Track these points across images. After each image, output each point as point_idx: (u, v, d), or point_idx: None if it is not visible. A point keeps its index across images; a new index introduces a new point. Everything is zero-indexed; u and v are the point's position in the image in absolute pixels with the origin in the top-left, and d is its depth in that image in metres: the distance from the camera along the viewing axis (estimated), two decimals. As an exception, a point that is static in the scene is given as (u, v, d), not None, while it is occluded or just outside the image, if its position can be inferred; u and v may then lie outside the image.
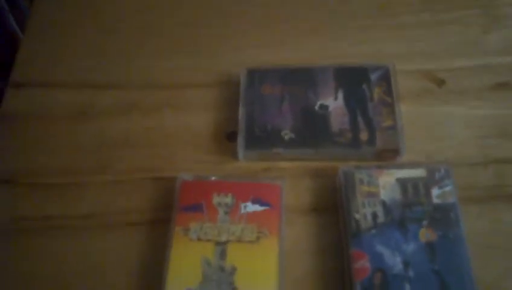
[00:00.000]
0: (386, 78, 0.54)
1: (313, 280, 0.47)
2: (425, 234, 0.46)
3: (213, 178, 0.49)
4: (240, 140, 0.51)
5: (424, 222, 0.46)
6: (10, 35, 1.09)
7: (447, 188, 0.48)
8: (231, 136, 0.53)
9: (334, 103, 0.53)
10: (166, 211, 0.49)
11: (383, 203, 0.47)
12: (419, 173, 0.48)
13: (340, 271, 0.46)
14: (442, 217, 0.46)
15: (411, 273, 0.44)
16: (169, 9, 0.64)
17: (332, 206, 0.50)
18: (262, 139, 0.51)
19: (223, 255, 0.44)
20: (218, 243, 0.45)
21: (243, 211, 0.46)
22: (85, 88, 0.58)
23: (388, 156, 0.51)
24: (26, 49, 0.63)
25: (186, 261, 0.44)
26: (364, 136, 0.51)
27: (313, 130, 0.51)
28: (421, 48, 0.60)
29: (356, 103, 0.53)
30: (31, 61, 0.61)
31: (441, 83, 0.57)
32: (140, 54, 0.61)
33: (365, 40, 0.60)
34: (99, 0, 0.66)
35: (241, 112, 0.52)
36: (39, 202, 0.51)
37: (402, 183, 0.48)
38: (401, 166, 0.49)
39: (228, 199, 0.47)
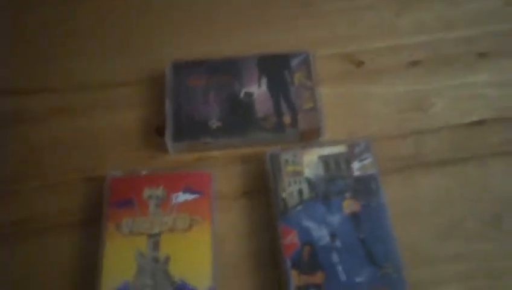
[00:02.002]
0: (306, 63, 0.57)
1: (248, 262, 0.48)
2: (349, 205, 0.49)
3: (143, 172, 0.50)
4: (168, 133, 0.52)
5: (347, 194, 0.49)
6: None
7: (367, 161, 0.51)
8: (160, 131, 0.54)
9: (258, 90, 0.55)
10: (99, 209, 0.49)
11: (308, 180, 0.50)
12: (340, 149, 0.51)
13: (272, 249, 0.48)
14: (364, 188, 0.50)
15: (338, 243, 0.47)
16: (92, 10, 0.65)
17: (262, 189, 0.52)
18: (190, 130, 0.52)
19: (156, 246, 0.45)
20: (151, 235, 0.46)
21: (174, 201, 0.48)
22: (10, 94, 0.58)
23: (311, 136, 0.54)
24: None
25: (120, 256, 0.45)
26: (287, 119, 0.53)
27: (239, 117, 0.53)
28: (340, 33, 0.63)
29: (278, 88, 0.55)
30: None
31: (359, 64, 0.61)
32: (65, 56, 0.61)
33: (287, 29, 0.63)
34: (22, 7, 0.65)
35: (168, 105, 0.53)
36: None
37: (324, 160, 0.51)
38: (323, 144, 0.52)
39: (159, 191, 0.48)
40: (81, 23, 0.64)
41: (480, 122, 0.57)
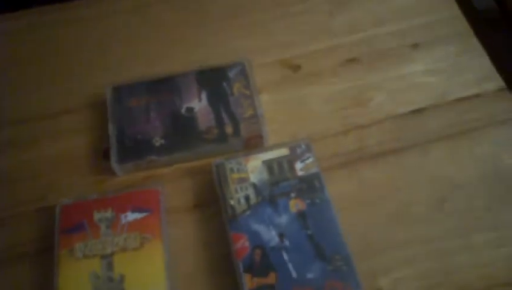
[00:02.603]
0: (243, 73, 0.58)
1: (205, 271, 0.50)
2: (295, 205, 0.50)
3: (92, 197, 0.51)
4: (113, 155, 0.53)
5: (292, 194, 0.51)
6: None
7: (309, 160, 0.53)
8: (107, 154, 0.55)
9: (199, 104, 0.56)
10: (52, 238, 0.50)
11: (254, 186, 0.51)
12: (283, 152, 0.53)
13: (227, 257, 0.50)
14: (308, 186, 0.51)
15: (287, 242, 0.48)
16: (32, 41, 0.66)
17: (212, 200, 0.53)
18: (134, 150, 0.53)
19: (109, 266, 0.46)
20: (103, 256, 0.47)
21: (123, 221, 0.49)
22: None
23: (255, 143, 0.55)
24: None
25: (74, 280, 0.46)
26: (229, 129, 0.55)
27: (182, 132, 0.55)
28: (275, 41, 0.65)
29: (219, 100, 0.57)
30: None
31: (296, 68, 0.63)
32: (5, 88, 0.62)
33: (223, 42, 0.65)
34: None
35: (111, 128, 0.55)
36: None
37: (268, 164, 0.52)
38: (266, 149, 0.54)
39: (108, 214, 0.49)
40: (21, 55, 0.64)
41: (419, 111, 0.60)
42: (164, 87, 0.57)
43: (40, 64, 0.64)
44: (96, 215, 0.49)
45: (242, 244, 0.48)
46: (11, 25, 0.67)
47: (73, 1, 0.69)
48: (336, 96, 0.61)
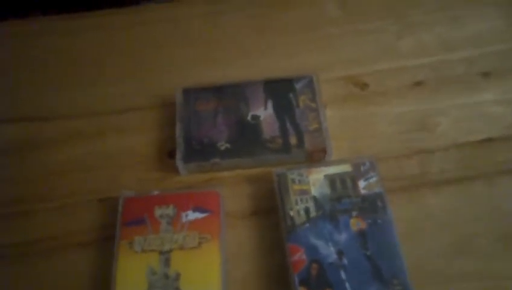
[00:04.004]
0: (310, 86, 0.59)
1: (258, 279, 0.49)
2: (356, 223, 0.49)
3: (154, 192, 0.51)
4: (179, 155, 0.54)
5: (354, 212, 0.50)
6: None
7: (373, 179, 0.52)
8: (172, 153, 0.56)
9: (264, 112, 0.57)
10: (112, 229, 0.51)
11: (314, 199, 0.51)
12: (345, 168, 0.53)
13: (282, 268, 0.49)
14: (370, 206, 0.50)
15: (345, 261, 0.47)
16: (105, 41, 0.68)
17: (270, 209, 0.53)
18: (200, 152, 0.54)
19: (167, 263, 0.47)
20: (162, 252, 0.47)
21: (184, 219, 0.49)
22: (27, 121, 0.61)
23: (317, 156, 0.55)
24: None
25: (132, 272, 0.46)
26: (293, 140, 0.55)
27: (246, 139, 0.55)
28: (343, 57, 0.65)
29: (284, 111, 0.57)
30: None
31: (363, 86, 0.63)
32: (79, 84, 0.64)
33: (291, 54, 0.65)
34: (37, 38, 0.69)
35: (178, 129, 0.56)
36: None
37: (330, 179, 0.52)
38: (329, 163, 0.53)
39: (169, 210, 0.50)
40: (95, 53, 0.67)
41: (486, 141, 0.58)
42: (231, 93, 0.58)
43: (111, 62, 0.66)
44: (158, 211, 0.50)
45: (299, 256, 0.47)
46: (86, 24, 0.70)
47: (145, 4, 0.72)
48: (401, 118, 0.60)
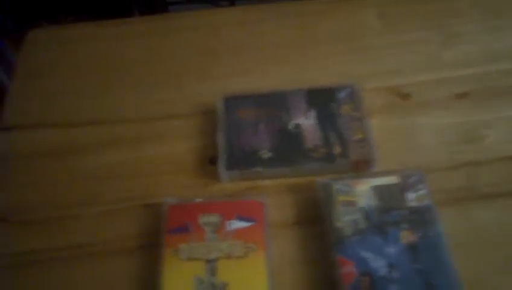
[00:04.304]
0: (352, 96, 0.58)
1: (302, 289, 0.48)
2: (406, 236, 0.48)
3: (198, 200, 0.51)
4: (221, 162, 0.53)
5: (403, 225, 0.48)
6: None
7: (421, 192, 0.50)
8: (213, 161, 0.55)
9: (306, 121, 0.56)
10: (154, 235, 0.50)
11: (362, 211, 0.49)
12: (392, 180, 0.51)
13: (326, 279, 0.47)
14: (420, 218, 0.49)
15: (396, 274, 0.45)
16: (146, 47, 0.69)
17: (312, 219, 0.52)
18: (242, 160, 0.53)
19: (213, 272, 0.46)
20: (208, 261, 0.46)
21: (228, 228, 0.48)
22: (69, 126, 0.61)
23: (362, 167, 0.53)
24: (14, 94, 0.66)
25: (178, 281, 0.45)
26: (337, 149, 0.54)
27: (289, 148, 0.54)
28: (385, 67, 0.64)
29: (327, 120, 0.56)
30: (18, 105, 0.64)
31: (406, 97, 0.61)
32: (120, 90, 0.64)
33: (332, 63, 0.65)
34: (78, 44, 0.70)
35: (220, 136, 0.55)
36: (30, 237, 0.52)
37: (377, 190, 0.50)
38: (375, 175, 0.52)
39: (214, 218, 0.49)
40: (136, 60, 0.67)
41: (536, 154, 0.56)
42: (273, 102, 0.58)
43: (150, 68, 0.66)
44: (202, 219, 0.49)
45: (349, 269, 0.46)
46: (129, 30, 0.71)
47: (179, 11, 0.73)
48: (446, 130, 0.58)
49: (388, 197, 0.50)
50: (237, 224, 0.48)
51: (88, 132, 0.60)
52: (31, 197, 0.55)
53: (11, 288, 0.49)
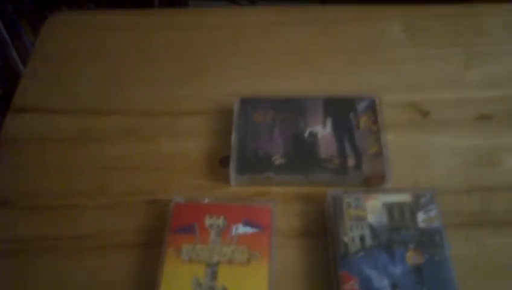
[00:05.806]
0: (372, 108, 0.57)
1: (302, 303, 0.47)
2: (412, 257, 0.47)
3: (206, 200, 0.50)
4: (232, 165, 0.53)
5: (411, 245, 0.47)
6: (12, 69, 1.13)
7: (432, 213, 0.49)
8: (224, 162, 0.55)
9: (322, 130, 0.55)
10: (159, 233, 0.50)
11: (371, 227, 0.48)
12: (404, 198, 0.50)
13: (329, 294, 0.47)
14: (428, 240, 0.48)
15: (399, 295, 0.45)
16: (167, 41, 0.68)
17: (320, 231, 0.51)
18: (254, 164, 0.53)
19: (213, 276, 0.45)
20: (209, 264, 0.46)
21: (234, 232, 0.48)
22: (83, 114, 0.61)
23: (375, 181, 0.53)
24: (28, 77, 0.66)
25: (177, 282, 0.45)
26: (351, 162, 0.53)
27: (302, 156, 0.53)
28: (406, 81, 0.63)
29: (343, 131, 0.55)
30: (32, 88, 0.64)
31: (425, 114, 0.60)
32: (138, 82, 0.64)
33: (353, 74, 0.64)
34: (99, 31, 0.70)
35: (234, 138, 0.55)
36: (36, 223, 0.52)
37: (388, 207, 0.49)
38: (387, 191, 0.51)
39: (220, 221, 0.48)
40: (156, 53, 0.67)
41: (554, 183, 0.55)
42: (290, 107, 0.57)
43: (169, 63, 0.66)
44: (208, 220, 0.48)
45: (351, 286, 0.45)
46: (145, 21, 0.71)
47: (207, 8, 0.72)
48: (463, 152, 0.57)
49: (398, 215, 0.49)
50: (243, 229, 0.48)
51: (102, 121, 0.60)
52: (38, 183, 0.55)
53: (12, 273, 0.49)
